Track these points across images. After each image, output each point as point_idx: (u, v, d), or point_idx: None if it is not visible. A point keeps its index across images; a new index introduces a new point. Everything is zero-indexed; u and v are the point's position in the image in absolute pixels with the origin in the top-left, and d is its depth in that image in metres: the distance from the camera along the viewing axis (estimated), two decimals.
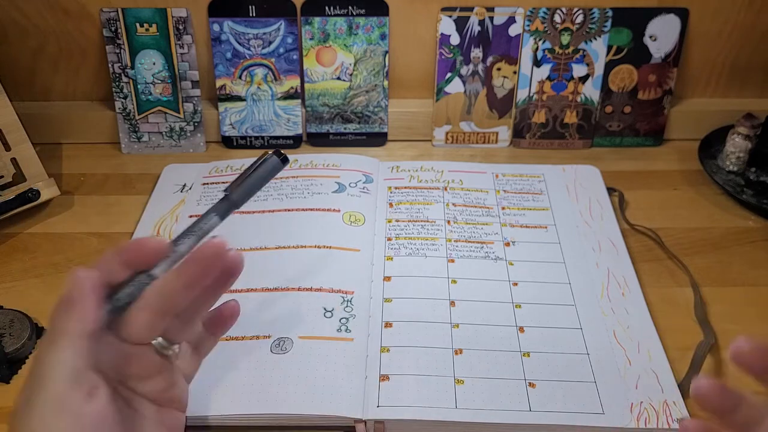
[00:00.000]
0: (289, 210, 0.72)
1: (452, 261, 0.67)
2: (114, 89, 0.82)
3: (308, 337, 0.57)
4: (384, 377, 0.55)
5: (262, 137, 0.85)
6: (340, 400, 0.53)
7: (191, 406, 0.46)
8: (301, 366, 0.55)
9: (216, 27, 0.80)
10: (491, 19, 0.80)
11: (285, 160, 0.46)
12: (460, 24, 0.80)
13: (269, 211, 0.71)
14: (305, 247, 0.67)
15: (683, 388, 0.55)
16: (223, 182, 0.77)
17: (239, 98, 0.83)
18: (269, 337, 0.58)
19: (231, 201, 0.44)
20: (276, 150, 0.46)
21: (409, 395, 0.54)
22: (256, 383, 0.54)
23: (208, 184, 0.77)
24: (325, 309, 0.60)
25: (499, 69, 0.82)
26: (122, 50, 0.80)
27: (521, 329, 0.60)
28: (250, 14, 0.80)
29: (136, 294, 0.39)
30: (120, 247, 0.40)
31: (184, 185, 0.77)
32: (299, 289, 0.62)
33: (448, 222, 0.72)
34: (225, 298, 0.45)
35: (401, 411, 0.53)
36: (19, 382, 0.57)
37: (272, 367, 0.55)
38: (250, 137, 0.85)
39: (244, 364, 0.56)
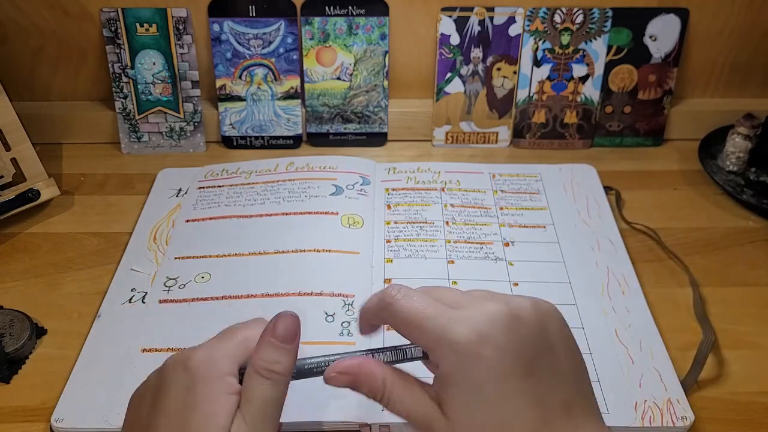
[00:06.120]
0: (287, 214, 0.71)
1: (452, 262, 0.67)
2: (114, 89, 0.82)
3: (310, 342, 0.56)
4: None
5: (262, 137, 0.85)
6: (344, 405, 0.52)
7: None
8: None
9: (216, 27, 0.80)
10: (491, 19, 0.80)
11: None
12: (460, 24, 0.80)
13: (267, 215, 0.71)
14: (304, 251, 0.66)
15: (686, 385, 0.55)
16: (219, 186, 0.76)
17: (239, 98, 0.83)
18: None
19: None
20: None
21: None
22: None
23: (204, 188, 0.76)
24: (326, 313, 0.60)
25: (499, 69, 0.82)
26: (122, 50, 0.80)
27: None
28: (250, 14, 0.80)
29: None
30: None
31: (180, 189, 0.77)
32: (300, 294, 0.61)
33: (447, 223, 0.72)
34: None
35: None
36: (20, 382, 0.57)
37: None
38: (250, 137, 0.85)
39: None
